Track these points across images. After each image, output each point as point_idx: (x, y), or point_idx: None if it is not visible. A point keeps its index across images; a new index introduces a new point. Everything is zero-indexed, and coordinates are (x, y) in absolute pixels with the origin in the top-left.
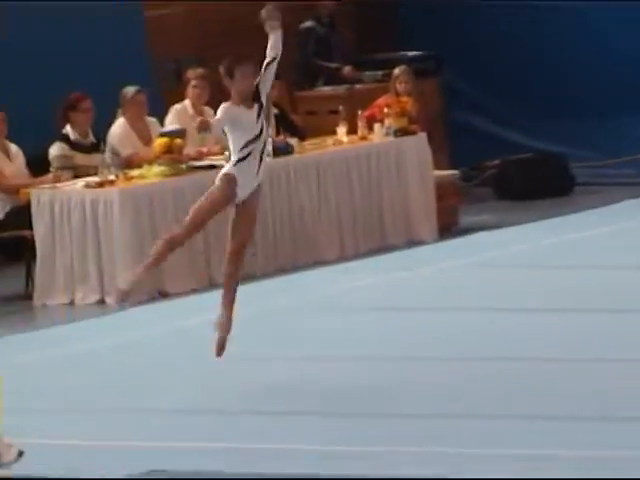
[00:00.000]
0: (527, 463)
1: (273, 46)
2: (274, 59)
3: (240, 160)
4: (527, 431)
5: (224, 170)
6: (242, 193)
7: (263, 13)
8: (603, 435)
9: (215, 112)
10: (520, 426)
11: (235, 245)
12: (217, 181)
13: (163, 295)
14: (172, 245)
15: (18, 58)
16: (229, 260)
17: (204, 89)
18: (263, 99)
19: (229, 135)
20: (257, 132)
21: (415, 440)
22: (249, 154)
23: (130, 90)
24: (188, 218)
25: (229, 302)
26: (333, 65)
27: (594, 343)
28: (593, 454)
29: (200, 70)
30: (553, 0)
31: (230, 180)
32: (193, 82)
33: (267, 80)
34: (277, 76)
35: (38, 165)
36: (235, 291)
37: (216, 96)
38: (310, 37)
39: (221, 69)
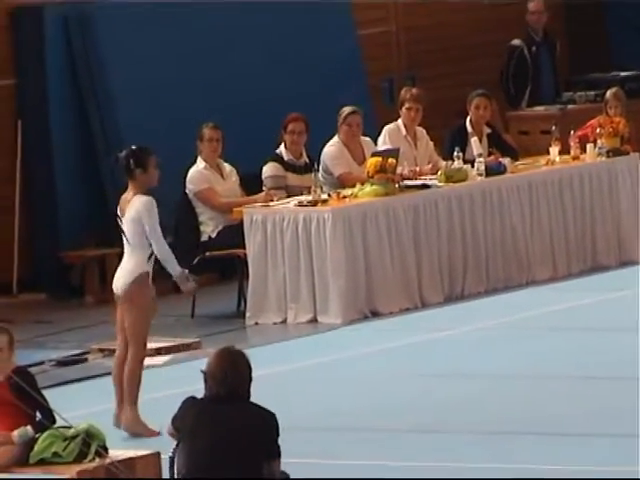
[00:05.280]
0: None
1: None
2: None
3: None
4: None
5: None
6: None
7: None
8: None
9: (427, 132)
10: None
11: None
12: None
13: (374, 314)
14: None
15: (236, 78)
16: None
17: (417, 112)
18: None
19: None
20: None
21: None
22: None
23: (346, 110)
24: None
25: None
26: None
27: None
28: None
29: (414, 91)
30: None
31: None
32: (407, 105)
33: None
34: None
35: (252, 184)
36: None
37: (429, 115)
38: (512, 56)
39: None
